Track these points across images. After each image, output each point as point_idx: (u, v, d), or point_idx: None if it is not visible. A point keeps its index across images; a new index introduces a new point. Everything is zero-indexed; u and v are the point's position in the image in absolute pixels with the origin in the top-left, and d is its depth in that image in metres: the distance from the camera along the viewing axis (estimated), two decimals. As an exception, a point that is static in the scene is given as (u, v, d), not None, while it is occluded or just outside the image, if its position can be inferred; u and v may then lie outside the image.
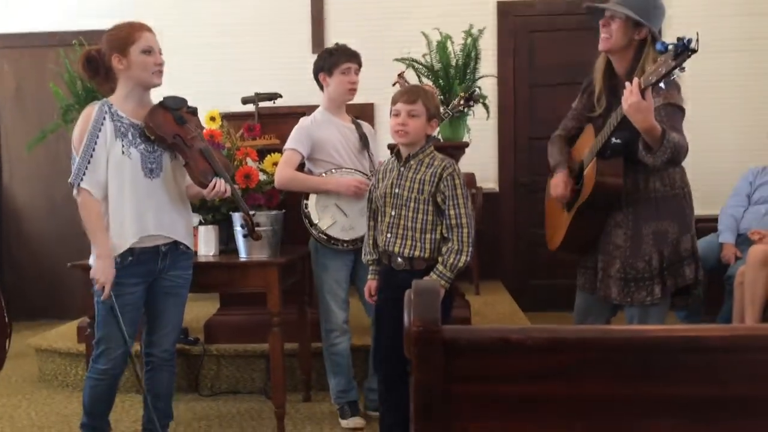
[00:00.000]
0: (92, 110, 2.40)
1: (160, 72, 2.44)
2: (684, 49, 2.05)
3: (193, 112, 2.54)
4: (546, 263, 4.81)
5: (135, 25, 2.43)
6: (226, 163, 2.60)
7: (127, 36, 2.39)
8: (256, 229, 2.64)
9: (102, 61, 2.44)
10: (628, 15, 2.42)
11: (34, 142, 3.87)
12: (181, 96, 2.53)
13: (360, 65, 3.05)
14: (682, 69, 2.11)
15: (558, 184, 2.64)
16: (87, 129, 2.36)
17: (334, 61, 2.99)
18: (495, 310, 4.22)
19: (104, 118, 2.38)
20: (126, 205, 2.39)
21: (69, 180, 2.37)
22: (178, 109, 2.48)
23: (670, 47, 2.09)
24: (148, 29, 2.44)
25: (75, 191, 2.37)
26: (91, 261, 2.41)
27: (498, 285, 4.95)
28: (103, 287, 2.35)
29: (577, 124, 2.73)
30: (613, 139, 2.43)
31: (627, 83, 2.26)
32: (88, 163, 2.34)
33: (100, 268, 2.35)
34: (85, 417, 2.52)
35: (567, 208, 2.68)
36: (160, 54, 2.45)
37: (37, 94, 5.20)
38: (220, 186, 2.46)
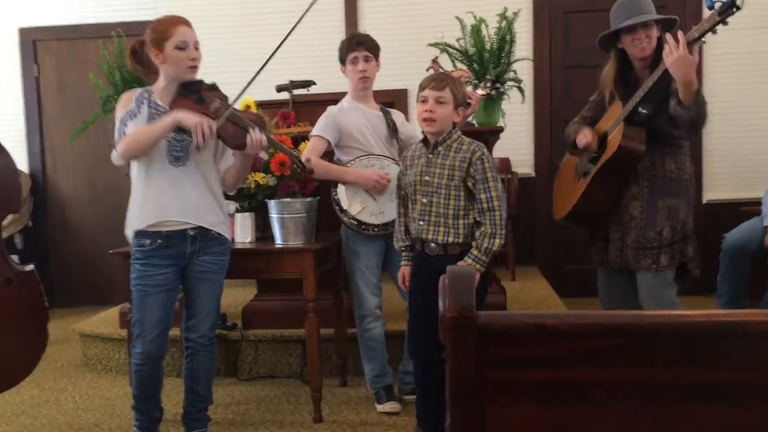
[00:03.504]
0: (132, 94, 2.50)
1: (195, 67, 2.48)
2: (730, 5, 2.27)
3: (212, 87, 2.56)
4: (583, 248, 4.74)
5: (171, 20, 2.47)
6: (258, 119, 2.61)
7: (163, 31, 2.44)
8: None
9: (144, 53, 2.51)
10: (662, 18, 2.65)
11: (75, 133, 3.96)
12: (199, 79, 2.54)
13: (372, 51, 3.01)
14: (726, 23, 2.32)
15: (586, 133, 2.78)
16: (125, 108, 2.47)
17: (343, 51, 3.02)
18: (531, 296, 4.19)
19: (142, 103, 2.47)
20: (148, 190, 2.47)
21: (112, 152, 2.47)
22: (196, 91, 2.50)
23: (717, 4, 2.30)
24: (185, 23, 2.47)
25: (114, 154, 2.46)
26: (173, 118, 2.41)
27: (534, 270, 4.92)
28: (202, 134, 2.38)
29: (593, 113, 2.89)
30: (641, 109, 2.59)
31: (669, 39, 2.42)
32: (123, 134, 2.44)
33: (184, 117, 2.39)
34: (134, 399, 2.60)
35: (583, 175, 2.79)
36: (196, 48, 2.48)
37: (77, 86, 5.31)
38: (254, 135, 2.48)
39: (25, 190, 5.30)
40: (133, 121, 2.45)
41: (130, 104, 2.47)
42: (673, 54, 2.36)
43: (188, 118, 2.39)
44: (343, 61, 3.04)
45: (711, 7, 2.32)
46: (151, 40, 2.46)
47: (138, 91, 2.52)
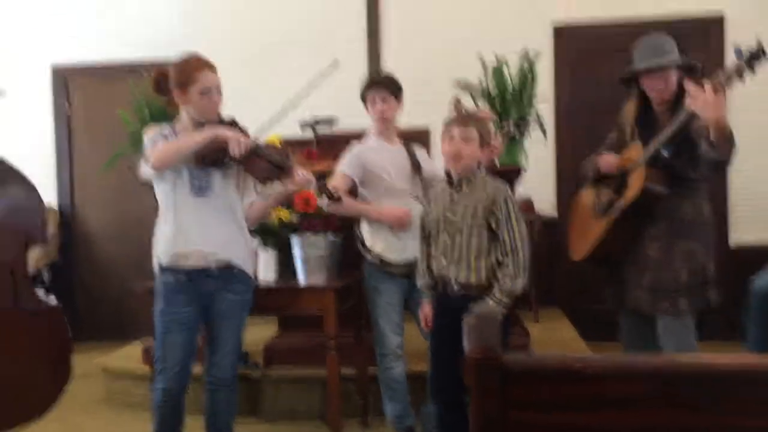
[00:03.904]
0: (157, 128, 2.57)
1: (215, 111, 2.53)
2: (757, 55, 2.27)
3: (232, 122, 2.60)
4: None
5: (196, 64, 2.51)
6: (283, 151, 2.64)
7: (187, 75, 2.48)
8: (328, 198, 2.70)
9: (167, 86, 2.56)
10: (679, 63, 2.64)
11: (104, 167, 4.04)
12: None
13: (391, 92, 3.03)
14: (754, 72, 2.33)
15: (608, 158, 2.77)
16: (154, 131, 2.53)
17: (363, 91, 3.07)
18: (555, 338, 4.13)
19: (165, 135, 2.51)
20: (172, 220, 2.50)
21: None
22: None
23: (745, 53, 2.30)
24: (210, 67, 2.52)
25: (143, 168, 2.51)
26: (211, 131, 2.44)
27: (558, 312, 4.85)
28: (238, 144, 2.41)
29: (610, 152, 2.87)
30: (663, 152, 2.58)
31: (689, 85, 2.41)
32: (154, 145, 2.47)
33: (221, 131, 2.43)
34: None
35: (603, 213, 2.77)
36: (219, 92, 2.53)
37: (106, 122, 5.43)
38: (299, 174, 2.54)
39: (54, 225, 5.39)
40: (163, 140, 2.49)
41: (161, 129, 2.53)
42: (699, 99, 2.34)
43: (225, 132, 2.44)
44: (364, 100, 3.08)
45: (739, 56, 2.31)
46: (176, 82, 2.50)
47: (163, 125, 2.58)
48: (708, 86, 2.34)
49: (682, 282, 2.60)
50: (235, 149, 2.40)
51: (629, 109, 2.79)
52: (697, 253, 2.63)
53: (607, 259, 2.82)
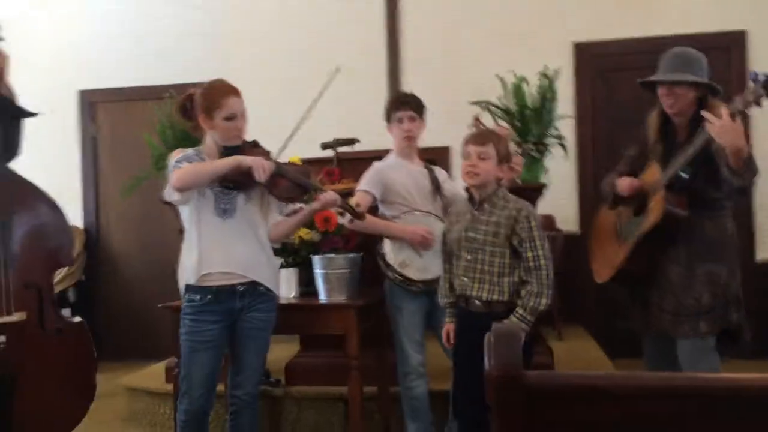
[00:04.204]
0: (184, 150, 2.59)
1: (239, 136, 2.56)
2: None
3: (254, 144, 2.62)
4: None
5: (222, 90, 2.53)
6: (304, 170, 2.66)
7: (213, 101, 2.50)
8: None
9: (193, 110, 2.59)
10: (689, 81, 2.59)
11: (129, 189, 4.09)
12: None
13: (417, 111, 3.04)
14: None
15: (626, 181, 2.74)
16: (180, 154, 2.54)
17: (389, 110, 3.07)
18: (579, 357, 4.08)
19: (191, 159, 2.53)
20: (196, 241, 2.51)
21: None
22: (239, 152, 2.56)
23: (761, 77, 2.26)
24: (235, 93, 2.54)
25: (167, 190, 2.51)
26: (234, 158, 2.46)
27: (581, 331, 4.80)
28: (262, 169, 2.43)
29: (628, 169, 2.84)
30: (682, 174, 2.55)
31: (709, 114, 2.38)
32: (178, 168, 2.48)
33: (243, 157, 2.45)
34: None
35: (624, 238, 2.74)
36: (244, 118, 2.55)
37: (131, 145, 5.52)
38: (327, 195, 2.56)
39: (79, 245, 5.47)
40: (188, 164, 2.51)
41: (186, 152, 2.56)
42: (716, 124, 2.33)
43: (247, 157, 2.46)
44: (389, 119, 3.09)
45: (755, 80, 2.29)
46: (201, 107, 2.53)
47: (190, 149, 2.61)
48: (725, 112, 2.32)
49: (703, 305, 2.57)
50: (261, 175, 2.42)
51: (653, 119, 2.76)
52: (719, 275, 2.59)
53: (631, 281, 2.79)
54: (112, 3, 5.66)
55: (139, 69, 5.55)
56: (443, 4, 5.24)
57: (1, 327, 2.41)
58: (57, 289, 2.74)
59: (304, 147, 3.95)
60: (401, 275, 2.92)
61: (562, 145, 3.52)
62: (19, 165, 2.65)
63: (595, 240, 3.02)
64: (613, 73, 5.06)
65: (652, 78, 2.68)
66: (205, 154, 2.58)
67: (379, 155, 3.26)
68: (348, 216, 2.78)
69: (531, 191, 3.30)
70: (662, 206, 2.56)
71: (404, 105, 3.05)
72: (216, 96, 2.51)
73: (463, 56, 5.17)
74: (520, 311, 2.37)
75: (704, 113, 2.41)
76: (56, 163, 5.44)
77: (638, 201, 2.73)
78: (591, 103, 5.09)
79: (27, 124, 2.68)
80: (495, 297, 2.42)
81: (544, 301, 2.37)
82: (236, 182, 2.49)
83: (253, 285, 2.56)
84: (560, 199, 4.80)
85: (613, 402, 0.98)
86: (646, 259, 2.69)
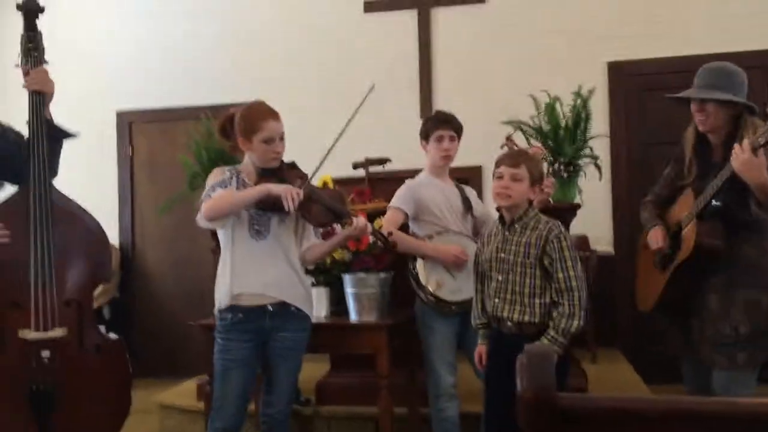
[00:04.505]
0: (224, 169, 2.61)
1: (277, 159, 2.58)
2: None
3: (292, 165, 2.64)
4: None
5: (262, 113, 2.55)
6: (337, 195, 2.67)
7: (252, 124, 2.53)
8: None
9: (233, 131, 2.62)
10: (718, 98, 2.50)
11: (164, 208, 4.16)
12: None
13: (456, 131, 3.06)
14: None
15: (657, 236, 2.69)
16: (218, 178, 2.57)
17: (429, 128, 3.06)
18: (613, 380, 4.00)
19: (232, 179, 2.57)
20: (229, 261, 2.54)
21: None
22: (277, 172, 2.59)
23: None
24: (274, 116, 2.56)
25: (199, 215, 2.52)
26: (263, 187, 2.48)
27: (616, 353, 4.70)
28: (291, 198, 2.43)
29: (667, 191, 2.78)
30: (714, 202, 2.47)
31: (736, 145, 2.32)
32: (209, 197, 2.50)
33: (272, 186, 2.46)
34: None
35: (661, 267, 2.67)
36: (282, 140, 2.57)
37: (167, 165, 5.62)
38: (358, 222, 2.55)
39: (115, 263, 5.56)
40: (222, 190, 2.54)
41: (224, 175, 2.58)
42: (738, 158, 2.28)
43: (276, 186, 2.48)
44: (426, 137, 3.08)
45: None
46: (240, 129, 2.56)
47: (228, 168, 2.63)
48: (746, 145, 2.27)
49: (741, 335, 2.45)
50: (289, 205, 2.43)
51: (689, 135, 2.68)
52: (759, 302, 2.47)
53: (672, 311, 2.71)
54: (149, 25, 5.80)
55: (175, 90, 5.67)
56: (476, 23, 5.26)
57: (46, 342, 2.46)
58: (93, 305, 2.77)
59: (336, 166, 3.97)
60: (434, 296, 2.91)
61: (597, 165, 3.49)
62: (59, 184, 2.72)
63: (639, 266, 2.93)
64: (647, 92, 5.00)
65: (680, 94, 2.62)
66: (243, 173, 2.61)
67: (410, 174, 3.26)
68: (380, 245, 2.77)
69: (564, 211, 3.27)
70: (693, 239, 2.49)
71: (445, 124, 3.05)
72: (255, 119, 2.54)
73: (495, 76, 5.17)
74: (552, 333, 2.33)
75: (736, 146, 2.34)
76: (94, 182, 5.55)
77: (675, 230, 2.66)
78: (625, 122, 5.04)
79: (67, 144, 2.75)
80: (526, 318, 2.39)
81: (576, 322, 2.33)
82: (270, 207, 2.51)
83: (284, 305, 2.57)
84: (594, 219, 4.74)
85: (646, 426, 0.96)
86: (684, 288, 2.60)
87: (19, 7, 2.67)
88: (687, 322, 2.63)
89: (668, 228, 2.71)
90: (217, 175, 2.61)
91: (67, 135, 2.69)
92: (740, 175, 2.30)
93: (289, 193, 2.43)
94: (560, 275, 2.36)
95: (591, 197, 3.79)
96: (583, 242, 4.58)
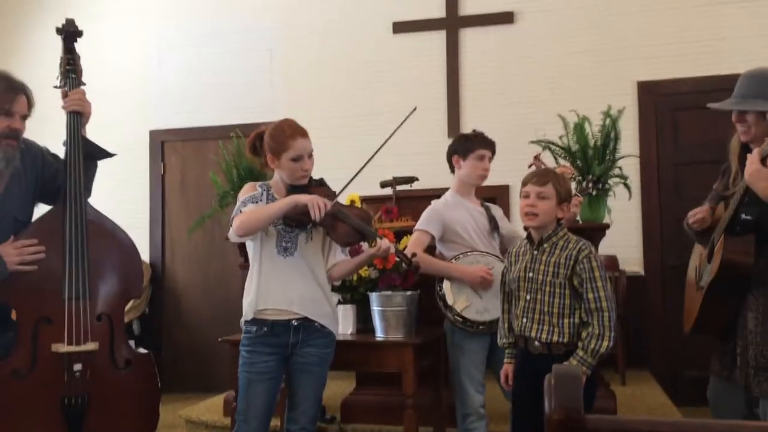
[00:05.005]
0: (255, 185, 2.65)
1: (305, 176, 2.61)
2: None
3: (320, 183, 2.66)
4: (700, 353, 4.43)
5: (290, 132, 2.57)
6: (364, 214, 2.68)
7: (281, 143, 2.56)
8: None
9: (262, 149, 2.66)
10: (756, 109, 2.37)
11: (194, 226, 4.22)
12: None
13: (494, 154, 3.08)
14: None
15: (697, 211, 2.56)
16: (248, 194, 2.60)
17: (470, 146, 3.06)
18: (643, 402, 3.93)
19: (262, 195, 2.61)
20: (256, 277, 2.56)
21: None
22: (305, 189, 2.61)
23: None
24: (302, 134, 2.58)
25: (230, 230, 2.55)
26: (290, 198, 2.51)
27: (646, 375, 4.63)
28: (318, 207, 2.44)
29: (714, 205, 2.64)
30: (743, 215, 2.34)
31: (749, 156, 2.22)
32: (240, 212, 2.53)
33: (299, 196, 2.48)
34: None
35: (699, 286, 2.56)
36: (310, 158, 2.60)
37: (198, 183, 5.72)
38: (382, 244, 2.56)
39: (145, 279, 5.64)
40: (253, 205, 2.58)
41: (255, 191, 2.62)
42: (747, 168, 2.19)
43: (303, 196, 2.51)
44: (465, 154, 3.07)
45: None
46: (269, 147, 2.59)
47: (258, 184, 2.67)
48: (755, 154, 2.19)
49: None
50: (316, 213, 2.46)
51: (734, 144, 2.56)
52: None
53: (711, 331, 2.57)
54: (181, 45, 5.92)
55: (207, 109, 5.77)
56: (504, 42, 5.28)
57: (78, 355, 2.51)
58: (124, 321, 2.82)
59: (363, 185, 4.00)
60: (461, 317, 2.90)
61: (626, 185, 3.46)
62: (93, 201, 2.78)
63: (687, 285, 2.80)
64: (678, 112, 4.97)
65: (717, 105, 2.51)
66: (273, 189, 2.65)
67: (437, 193, 3.27)
68: (405, 266, 2.78)
69: (593, 231, 3.24)
70: (720, 256, 2.38)
71: (487, 144, 3.07)
72: (283, 137, 2.57)
73: (523, 95, 5.18)
74: (581, 353, 2.31)
75: (749, 155, 2.24)
76: (126, 200, 5.66)
77: (711, 245, 2.55)
78: (656, 142, 5.00)
79: (101, 162, 2.82)
80: (555, 338, 2.37)
81: (605, 343, 2.31)
82: (297, 221, 2.54)
83: (308, 320, 2.59)
84: (624, 240, 4.69)
85: (677, 449, 0.95)
86: (721, 308, 2.48)
87: (58, 30, 2.75)
88: (729, 344, 2.48)
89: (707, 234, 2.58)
90: (248, 190, 2.64)
91: (105, 154, 2.75)
92: (750, 186, 2.21)
93: (316, 202, 2.46)
94: (590, 295, 2.34)
95: (620, 217, 3.76)
96: (612, 263, 4.53)
